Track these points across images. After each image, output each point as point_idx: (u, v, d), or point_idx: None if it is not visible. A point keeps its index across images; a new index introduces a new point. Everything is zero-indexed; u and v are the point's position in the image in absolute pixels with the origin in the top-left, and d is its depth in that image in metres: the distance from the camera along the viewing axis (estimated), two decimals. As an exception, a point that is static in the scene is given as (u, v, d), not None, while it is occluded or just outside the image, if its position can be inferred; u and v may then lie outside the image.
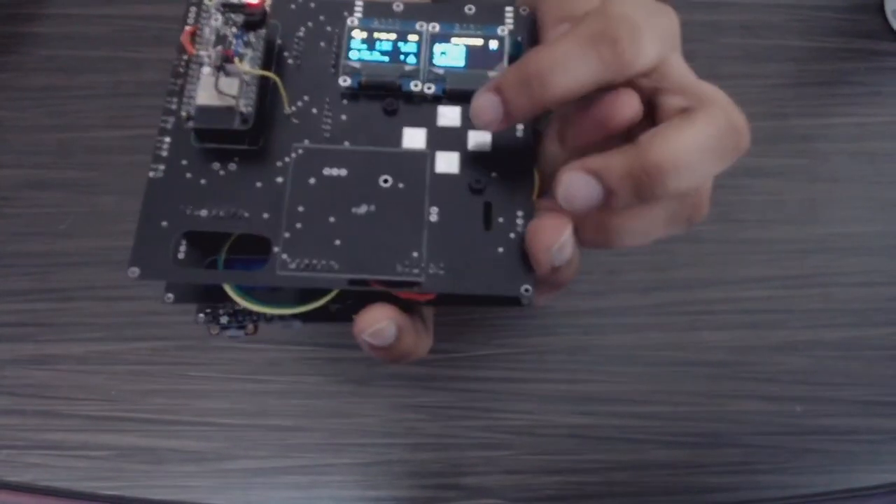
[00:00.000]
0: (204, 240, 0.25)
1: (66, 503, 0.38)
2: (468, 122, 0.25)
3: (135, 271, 0.23)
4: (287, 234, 0.23)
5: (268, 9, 0.25)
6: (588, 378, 0.41)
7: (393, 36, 0.26)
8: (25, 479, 0.38)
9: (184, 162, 0.24)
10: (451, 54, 0.26)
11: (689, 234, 0.43)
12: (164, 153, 0.25)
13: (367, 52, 0.25)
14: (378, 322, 0.23)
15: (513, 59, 0.26)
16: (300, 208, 0.24)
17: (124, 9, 0.46)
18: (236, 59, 0.24)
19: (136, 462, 0.39)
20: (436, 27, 0.26)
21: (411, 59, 0.25)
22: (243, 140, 0.24)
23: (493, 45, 0.26)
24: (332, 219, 0.24)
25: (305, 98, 0.26)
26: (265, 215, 0.24)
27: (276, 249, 0.23)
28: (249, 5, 0.24)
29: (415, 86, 0.25)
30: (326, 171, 0.24)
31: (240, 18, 0.25)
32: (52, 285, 0.41)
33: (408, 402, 0.40)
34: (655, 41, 0.22)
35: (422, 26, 0.26)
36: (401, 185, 0.24)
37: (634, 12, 0.21)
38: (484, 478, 0.39)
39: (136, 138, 0.44)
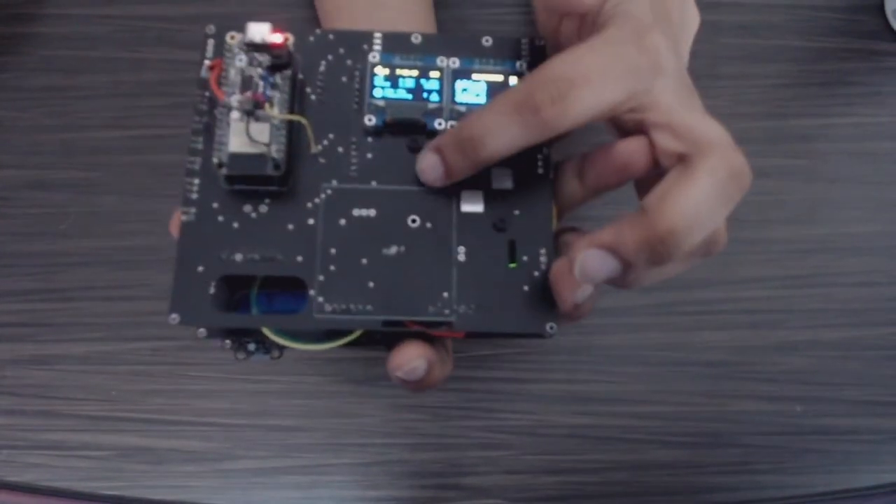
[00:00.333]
0: (236, 277, 0.25)
1: (66, 503, 0.38)
2: None
3: (175, 318, 0.24)
4: (321, 277, 0.24)
5: (291, 48, 0.25)
6: (588, 378, 0.41)
7: (415, 73, 0.26)
8: (26, 479, 0.38)
9: (215, 205, 0.25)
10: (473, 90, 0.26)
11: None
12: (195, 195, 0.25)
13: (391, 90, 0.26)
14: (411, 361, 0.24)
15: None
16: (332, 250, 0.24)
17: (124, 9, 0.46)
18: (266, 105, 0.24)
19: (136, 462, 0.39)
20: (456, 62, 0.26)
21: (434, 97, 0.26)
22: (273, 182, 0.25)
23: (513, 80, 0.26)
24: (364, 260, 0.24)
25: (331, 136, 0.26)
26: (299, 258, 0.24)
27: (311, 293, 0.24)
28: (274, 46, 0.24)
29: (438, 124, 0.26)
30: (356, 212, 0.25)
31: (264, 58, 0.25)
32: (52, 285, 0.41)
33: (408, 402, 0.40)
34: (608, 85, 0.22)
35: (443, 61, 0.26)
36: (428, 225, 0.25)
37: (589, 60, 0.22)
38: (484, 478, 0.39)
39: (136, 138, 0.44)
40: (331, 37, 0.27)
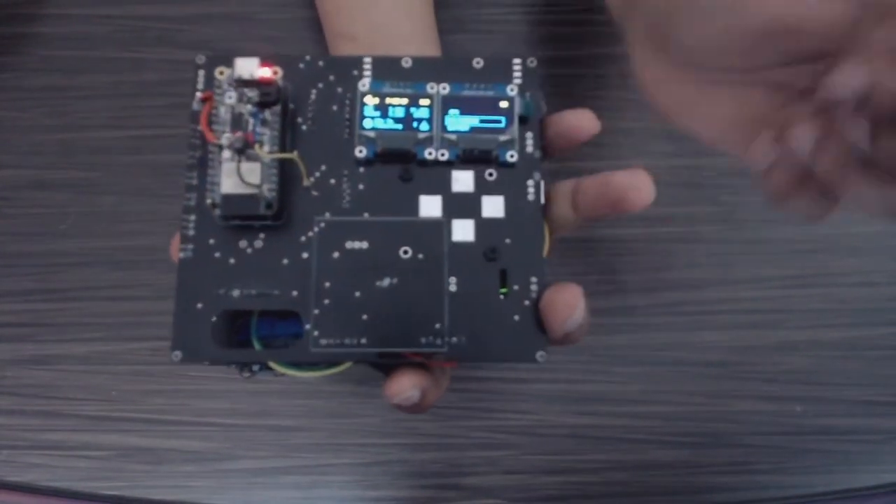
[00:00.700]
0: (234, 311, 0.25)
1: (66, 503, 0.38)
2: (482, 187, 0.26)
3: (178, 355, 0.24)
4: (316, 311, 0.25)
5: (280, 83, 0.25)
6: (588, 378, 0.41)
7: (405, 101, 0.26)
8: (26, 479, 0.38)
9: (211, 241, 0.25)
10: (464, 122, 0.26)
11: (689, 234, 0.44)
12: (191, 232, 0.25)
13: (381, 121, 0.26)
14: (406, 391, 0.25)
15: (523, 119, 0.26)
16: (327, 284, 0.25)
17: (125, 9, 0.46)
18: (256, 146, 0.24)
19: (136, 462, 0.39)
20: (446, 88, 0.26)
21: (424, 126, 0.26)
22: (267, 217, 0.25)
23: (504, 105, 0.26)
24: (357, 293, 0.25)
25: (322, 167, 0.26)
26: (294, 293, 0.25)
27: (307, 327, 0.24)
28: (263, 81, 0.24)
29: (429, 154, 0.26)
30: (349, 245, 0.25)
31: (254, 93, 0.25)
32: (52, 285, 0.41)
33: (408, 402, 0.40)
34: None
35: (432, 87, 0.26)
36: (420, 256, 0.25)
37: None
38: (484, 478, 0.39)
39: (136, 138, 0.44)
40: (321, 63, 0.27)
